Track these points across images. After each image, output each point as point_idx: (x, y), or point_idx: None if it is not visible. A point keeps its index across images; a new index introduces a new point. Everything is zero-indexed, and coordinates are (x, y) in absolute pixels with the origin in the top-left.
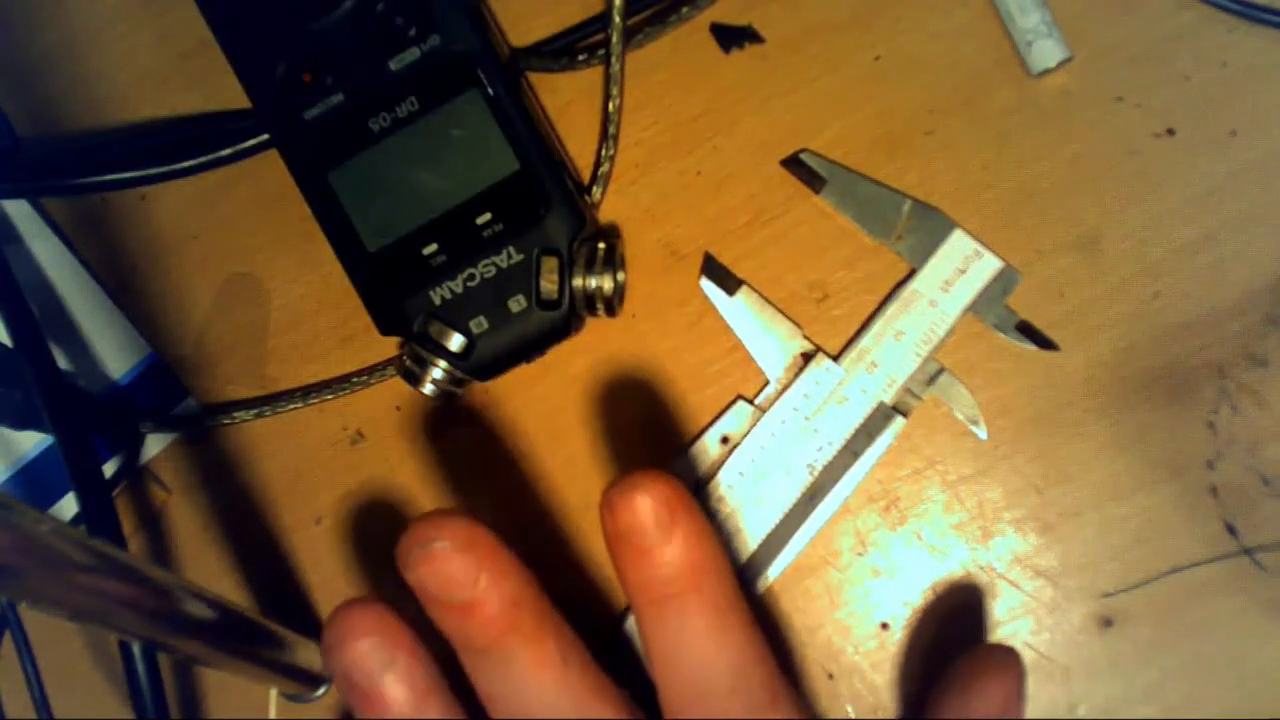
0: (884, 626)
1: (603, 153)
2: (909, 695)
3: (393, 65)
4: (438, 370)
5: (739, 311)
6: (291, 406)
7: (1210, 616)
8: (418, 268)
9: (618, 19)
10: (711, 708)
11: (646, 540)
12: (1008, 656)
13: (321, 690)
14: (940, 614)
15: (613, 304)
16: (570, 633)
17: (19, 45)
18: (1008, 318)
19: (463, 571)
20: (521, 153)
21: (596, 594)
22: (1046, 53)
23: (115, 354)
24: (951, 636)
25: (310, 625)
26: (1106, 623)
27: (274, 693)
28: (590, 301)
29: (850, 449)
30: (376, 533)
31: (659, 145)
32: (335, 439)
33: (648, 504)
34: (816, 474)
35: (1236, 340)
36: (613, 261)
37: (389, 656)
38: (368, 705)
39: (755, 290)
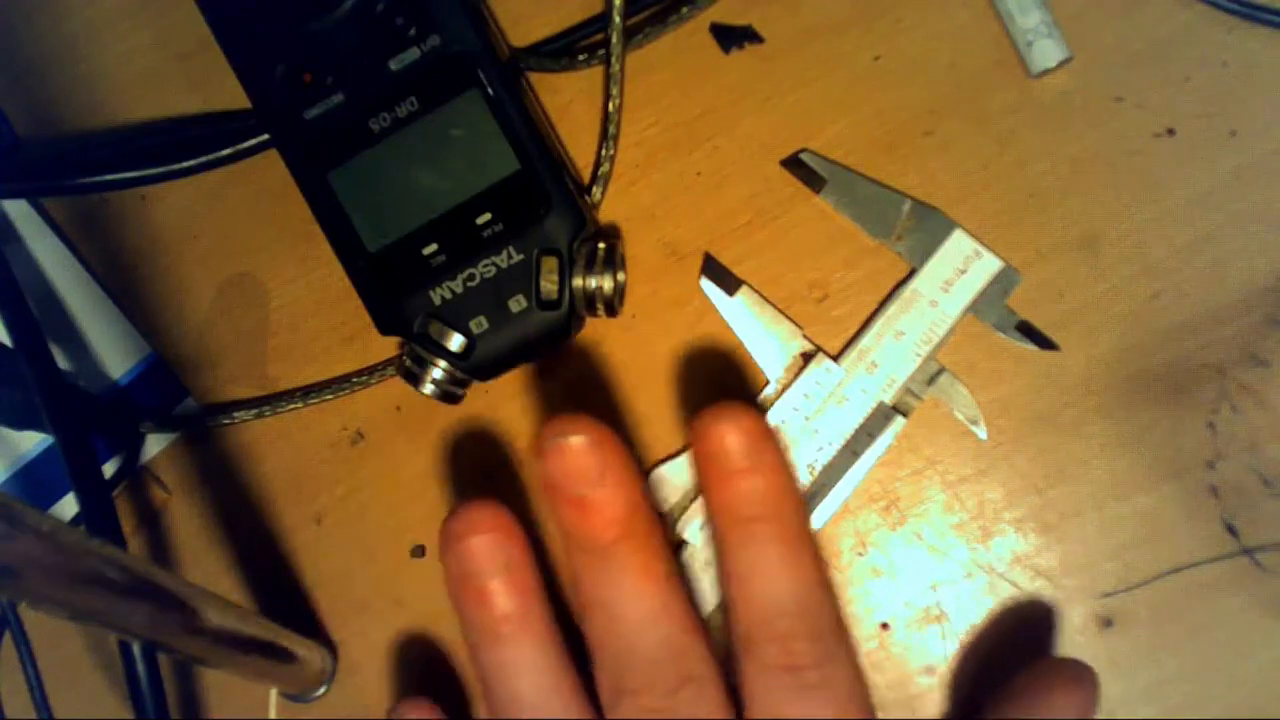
0: (884, 626)
1: (603, 153)
2: (909, 695)
3: (393, 65)
4: (438, 370)
5: (739, 311)
6: (291, 406)
7: (1210, 616)
8: (418, 268)
9: (618, 19)
10: (779, 629)
11: (733, 464)
12: (1081, 670)
13: (321, 690)
14: (941, 615)
15: (613, 304)
16: (671, 553)
17: (19, 45)
18: (1008, 318)
19: (589, 466)
20: (521, 153)
21: None
22: (1046, 53)
23: (115, 354)
24: (952, 637)
25: (310, 625)
26: (1106, 623)
27: (274, 693)
28: (590, 301)
29: (850, 449)
30: (376, 533)
31: (659, 145)
32: (335, 439)
33: (736, 433)
34: (816, 474)
35: (1236, 340)
36: (613, 261)
37: (505, 555)
38: (475, 600)
39: (755, 290)
